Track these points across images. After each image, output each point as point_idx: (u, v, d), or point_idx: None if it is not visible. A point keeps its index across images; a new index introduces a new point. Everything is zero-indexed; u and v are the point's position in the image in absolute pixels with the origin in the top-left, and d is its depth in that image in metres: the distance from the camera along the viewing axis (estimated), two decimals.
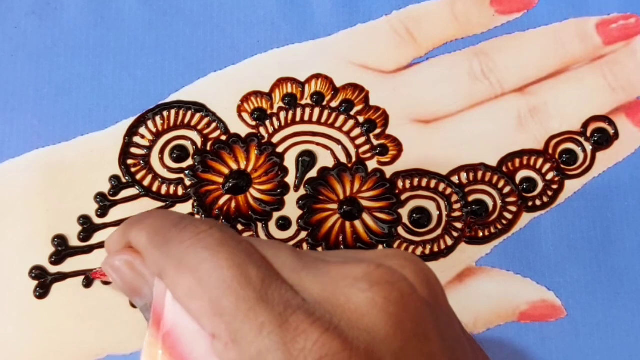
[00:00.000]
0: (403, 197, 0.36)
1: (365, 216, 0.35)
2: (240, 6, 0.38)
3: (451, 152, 0.36)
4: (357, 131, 0.37)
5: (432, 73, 0.37)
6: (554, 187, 0.36)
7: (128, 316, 0.34)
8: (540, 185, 0.36)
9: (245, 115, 0.37)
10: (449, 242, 0.35)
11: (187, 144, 0.36)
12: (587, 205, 0.36)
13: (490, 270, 0.35)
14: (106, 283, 0.34)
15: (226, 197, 0.36)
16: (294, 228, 0.35)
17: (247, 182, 0.36)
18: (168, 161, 0.36)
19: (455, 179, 0.36)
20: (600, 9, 0.38)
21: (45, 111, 0.36)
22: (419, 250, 0.35)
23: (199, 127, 0.36)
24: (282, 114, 0.37)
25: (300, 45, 0.38)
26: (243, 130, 0.36)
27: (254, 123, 0.36)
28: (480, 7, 0.38)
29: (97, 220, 0.35)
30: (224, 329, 0.21)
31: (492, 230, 0.35)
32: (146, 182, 0.36)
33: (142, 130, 0.36)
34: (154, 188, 0.36)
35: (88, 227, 0.35)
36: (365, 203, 0.36)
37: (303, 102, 0.37)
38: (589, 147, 0.37)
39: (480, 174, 0.36)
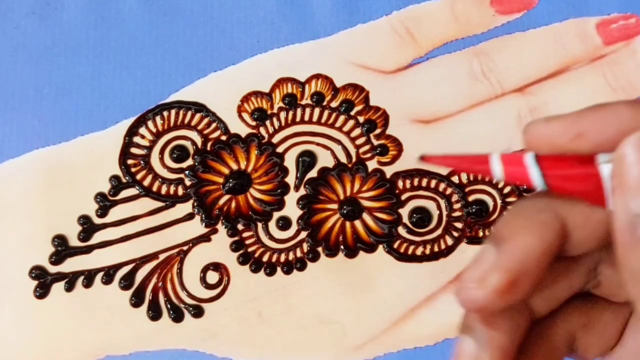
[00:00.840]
0: (403, 197, 0.36)
1: (366, 216, 0.35)
2: (240, 6, 0.38)
3: (451, 151, 0.36)
4: (357, 131, 0.37)
5: (432, 73, 0.37)
6: None
7: (127, 317, 0.34)
8: None
9: (245, 115, 0.37)
10: (450, 242, 0.35)
11: (187, 144, 0.36)
12: None
13: None
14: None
15: (226, 197, 0.36)
16: (294, 228, 0.35)
17: (247, 182, 0.36)
18: (168, 161, 0.36)
19: (455, 178, 0.36)
20: (600, 9, 0.38)
21: (45, 111, 0.36)
22: (419, 250, 0.35)
23: (199, 127, 0.36)
24: (282, 114, 0.37)
25: (300, 45, 0.38)
26: (243, 130, 0.36)
27: (254, 123, 0.36)
28: (480, 7, 0.38)
29: (97, 220, 0.35)
30: None
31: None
32: (146, 182, 0.36)
33: (142, 130, 0.36)
34: (154, 188, 0.36)
35: (88, 227, 0.35)
36: (365, 203, 0.36)
37: (303, 102, 0.37)
38: None
39: None
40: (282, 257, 0.35)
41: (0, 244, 0.35)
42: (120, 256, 0.35)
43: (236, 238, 0.35)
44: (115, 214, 0.35)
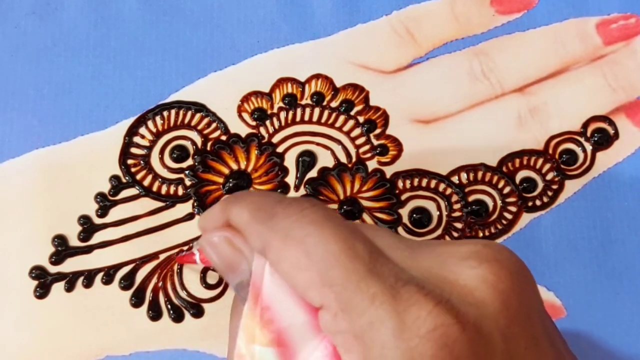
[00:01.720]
0: (403, 197, 0.36)
1: (366, 216, 0.35)
2: (240, 6, 0.38)
3: (451, 152, 0.36)
4: (357, 131, 0.37)
5: (432, 73, 0.37)
6: (554, 187, 0.36)
7: (127, 317, 0.34)
8: (540, 185, 0.36)
9: (246, 115, 0.37)
10: None
11: (187, 144, 0.36)
12: (587, 205, 0.36)
13: None
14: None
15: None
16: None
17: (247, 182, 0.36)
18: (168, 161, 0.36)
19: (455, 179, 0.36)
20: (600, 9, 0.38)
21: (45, 111, 0.36)
22: None
23: (199, 127, 0.36)
24: (282, 114, 0.37)
25: (300, 45, 0.38)
26: (243, 130, 0.36)
27: (254, 123, 0.36)
28: (480, 7, 0.38)
29: (97, 220, 0.35)
30: (333, 299, 0.21)
31: (492, 230, 0.35)
32: (146, 182, 0.36)
33: (142, 130, 0.36)
34: (154, 188, 0.36)
35: (88, 227, 0.35)
36: (365, 203, 0.36)
37: (303, 102, 0.37)
38: (589, 147, 0.37)
39: (480, 174, 0.36)
40: None
41: (0, 244, 0.35)
42: (120, 256, 0.35)
43: None
44: (115, 214, 0.35)
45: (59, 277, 0.34)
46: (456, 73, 0.37)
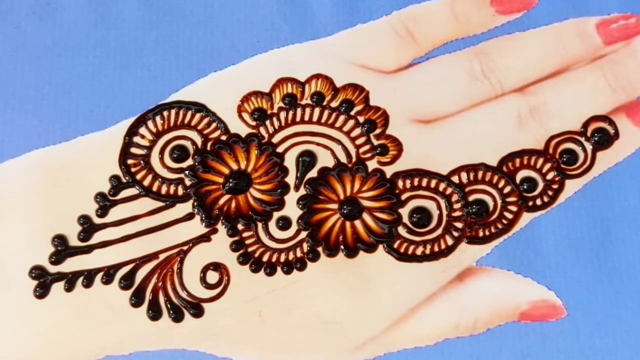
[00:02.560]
0: (403, 197, 0.36)
1: (366, 216, 0.35)
2: (240, 6, 0.38)
3: (451, 152, 0.36)
4: (357, 131, 0.37)
5: (432, 73, 0.37)
6: (555, 187, 0.36)
7: (127, 317, 0.34)
8: (541, 185, 0.36)
9: (245, 115, 0.37)
10: (450, 241, 0.35)
11: (187, 144, 0.36)
12: (587, 205, 0.36)
13: (491, 270, 0.35)
14: None
15: (226, 197, 0.36)
16: (294, 228, 0.35)
17: (247, 182, 0.36)
18: (168, 161, 0.36)
19: (455, 178, 0.36)
20: (600, 9, 0.38)
21: (45, 111, 0.36)
22: (419, 250, 0.35)
23: (199, 127, 0.36)
24: (282, 114, 0.37)
25: (300, 45, 0.38)
26: (243, 130, 0.36)
27: (254, 123, 0.36)
28: (480, 7, 0.38)
29: (97, 220, 0.35)
30: None
31: (493, 230, 0.35)
32: (146, 182, 0.36)
33: (142, 130, 0.36)
34: (154, 188, 0.36)
35: (88, 227, 0.35)
36: (365, 203, 0.36)
37: (303, 102, 0.37)
38: (589, 147, 0.37)
39: (480, 173, 0.36)
40: (282, 257, 0.35)
41: (0, 244, 0.35)
42: (120, 256, 0.35)
43: (236, 238, 0.35)
44: (115, 214, 0.35)
45: (59, 277, 0.34)
46: (456, 73, 0.37)
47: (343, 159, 0.36)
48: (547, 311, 0.35)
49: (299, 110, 0.37)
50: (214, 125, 0.36)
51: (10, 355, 0.33)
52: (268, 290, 0.35)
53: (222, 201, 0.35)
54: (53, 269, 0.34)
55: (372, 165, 0.36)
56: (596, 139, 0.37)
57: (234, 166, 0.36)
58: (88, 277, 0.34)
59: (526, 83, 0.37)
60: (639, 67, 0.38)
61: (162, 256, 0.35)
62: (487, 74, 0.37)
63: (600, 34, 0.38)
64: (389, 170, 0.36)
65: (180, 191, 0.36)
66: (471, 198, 0.36)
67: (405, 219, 0.36)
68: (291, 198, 0.36)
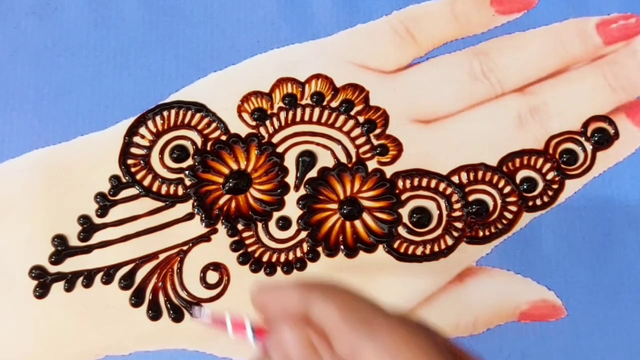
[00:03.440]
0: (403, 197, 0.36)
1: (366, 216, 0.35)
2: (240, 6, 0.38)
3: (451, 152, 0.36)
4: (357, 131, 0.37)
5: (432, 73, 0.37)
6: (554, 186, 0.36)
7: (127, 317, 0.34)
8: (541, 185, 0.36)
9: (245, 115, 0.37)
10: (450, 241, 0.35)
11: (187, 144, 0.36)
12: (587, 205, 0.36)
13: (491, 270, 0.35)
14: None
15: (226, 197, 0.35)
16: (294, 228, 0.35)
17: (247, 182, 0.36)
18: (168, 161, 0.36)
19: (455, 178, 0.36)
20: (600, 9, 0.38)
21: (45, 111, 0.36)
22: (419, 250, 0.35)
23: (199, 127, 0.36)
24: (282, 114, 0.37)
25: (300, 45, 0.38)
26: (243, 130, 0.36)
27: (254, 123, 0.36)
28: (480, 7, 0.38)
29: (97, 220, 0.35)
30: None
31: (493, 230, 0.35)
32: (146, 182, 0.36)
33: (142, 130, 0.36)
34: (154, 188, 0.36)
35: (88, 227, 0.35)
36: (365, 203, 0.36)
37: (303, 102, 0.37)
38: (589, 147, 0.37)
39: (480, 173, 0.36)
40: (282, 257, 0.35)
41: (0, 244, 0.35)
42: (120, 256, 0.35)
43: (236, 238, 0.35)
44: (115, 214, 0.35)
45: (59, 276, 0.34)
46: (456, 73, 0.37)
47: (343, 159, 0.36)
48: (547, 311, 0.35)
49: (299, 110, 0.37)
50: (214, 125, 0.36)
51: (10, 355, 0.33)
52: None
53: (222, 201, 0.35)
54: (53, 269, 0.34)
55: (372, 165, 0.36)
56: (596, 139, 0.37)
57: (234, 166, 0.36)
58: (88, 277, 0.34)
59: (526, 83, 0.37)
60: (639, 67, 0.38)
61: (162, 256, 0.35)
62: (487, 74, 0.37)
63: (600, 34, 0.38)
64: (389, 170, 0.36)
65: (180, 191, 0.36)
66: (471, 198, 0.36)
67: (405, 219, 0.36)
68: (291, 198, 0.36)
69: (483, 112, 0.37)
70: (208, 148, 0.36)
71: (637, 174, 0.36)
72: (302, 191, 0.36)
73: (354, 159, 0.36)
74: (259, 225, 0.35)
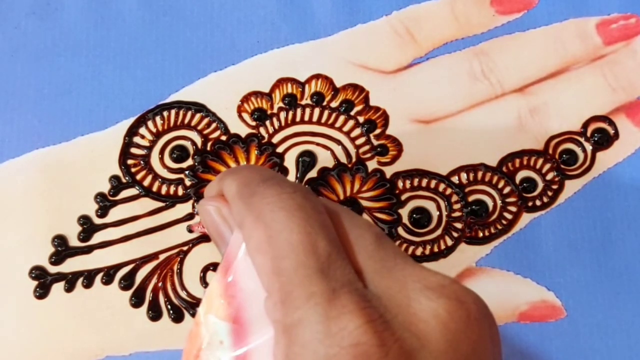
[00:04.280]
0: (403, 197, 0.36)
1: (365, 216, 0.35)
2: (240, 6, 0.38)
3: (451, 152, 0.36)
4: (357, 131, 0.37)
5: (432, 73, 0.37)
6: (554, 187, 0.36)
7: (127, 317, 0.34)
8: (540, 185, 0.36)
9: (245, 116, 0.37)
10: (449, 242, 0.35)
11: (187, 144, 0.36)
12: (587, 205, 0.36)
13: (490, 271, 0.35)
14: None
15: None
16: None
17: None
18: (168, 161, 0.36)
19: (455, 179, 0.36)
20: (600, 9, 0.38)
21: (45, 111, 0.36)
22: (419, 250, 0.35)
23: (199, 127, 0.36)
24: (282, 114, 0.37)
25: (300, 45, 0.38)
26: (243, 131, 0.36)
27: (254, 123, 0.36)
28: (481, 7, 0.38)
29: (97, 221, 0.35)
30: (277, 289, 0.21)
31: (492, 231, 0.35)
32: (146, 182, 0.36)
33: (142, 130, 0.36)
34: (154, 188, 0.36)
35: (88, 227, 0.35)
36: (365, 203, 0.36)
37: (303, 102, 0.37)
38: (589, 147, 0.37)
39: (480, 174, 0.36)
40: None
41: (0, 244, 0.35)
42: (120, 256, 0.35)
43: None
44: (115, 214, 0.35)
45: (59, 277, 0.34)
46: (456, 73, 0.37)
47: (343, 159, 0.36)
48: (546, 311, 0.35)
49: (299, 111, 0.37)
50: (214, 125, 0.36)
51: (11, 356, 0.33)
52: None
53: None
54: (53, 269, 0.34)
55: (372, 165, 0.36)
56: (596, 139, 0.37)
57: (234, 166, 0.36)
58: (88, 277, 0.34)
59: (526, 83, 0.37)
60: (639, 67, 0.38)
61: (162, 256, 0.35)
62: (487, 74, 0.37)
63: (600, 34, 0.38)
64: (388, 171, 0.36)
65: (180, 191, 0.36)
66: (471, 198, 0.36)
67: (405, 219, 0.36)
68: None
69: (483, 112, 0.37)
70: (208, 148, 0.36)
71: (637, 174, 0.36)
72: None
73: (353, 159, 0.36)
74: None
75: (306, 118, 0.37)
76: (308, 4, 0.38)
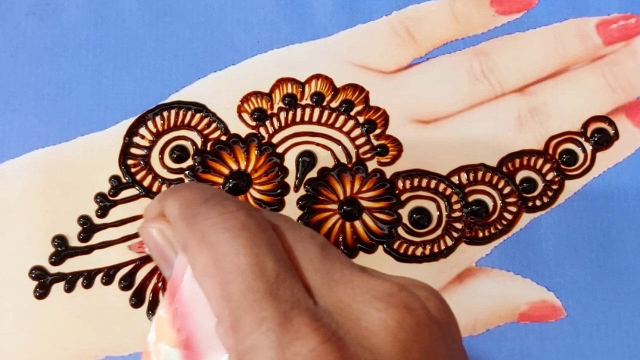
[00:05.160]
0: (403, 197, 0.36)
1: (365, 216, 0.35)
2: (240, 6, 0.38)
3: (451, 152, 0.36)
4: (357, 131, 0.37)
5: (432, 73, 0.37)
6: (554, 187, 0.36)
7: (127, 317, 0.34)
8: (540, 185, 0.36)
9: (245, 116, 0.37)
10: (449, 242, 0.35)
11: (187, 144, 0.36)
12: (587, 205, 0.36)
13: (490, 271, 0.35)
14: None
15: None
16: None
17: (247, 182, 0.36)
18: (168, 161, 0.36)
19: (455, 179, 0.36)
20: (600, 9, 0.38)
21: (45, 111, 0.36)
22: (419, 251, 0.35)
23: (199, 128, 0.36)
24: (282, 114, 0.37)
25: (300, 45, 0.38)
26: (243, 131, 0.36)
27: (254, 123, 0.36)
28: (480, 8, 0.38)
29: (97, 221, 0.35)
30: (227, 314, 0.21)
31: (492, 231, 0.35)
32: (146, 183, 0.36)
33: (142, 130, 0.36)
34: (154, 188, 0.36)
35: (88, 228, 0.35)
36: (365, 203, 0.36)
37: (303, 102, 0.37)
38: (589, 148, 0.37)
39: (480, 174, 0.36)
40: None
41: (0, 244, 0.35)
42: (120, 256, 0.35)
43: None
44: (115, 214, 0.35)
45: (59, 277, 0.34)
46: (456, 73, 0.37)
47: (343, 159, 0.36)
48: (546, 312, 0.35)
49: (298, 111, 0.37)
50: (213, 125, 0.36)
51: (11, 356, 0.33)
52: None
53: None
54: (53, 269, 0.34)
55: (372, 165, 0.36)
56: (596, 139, 0.37)
57: (234, 166, 0.36)
58: (88, 277, 0.34)
59: (526, 83, 0.37)
60: (639, 68, 0.38)
61: None
62: (487, 74, 0.37)
63: (600, 34, 0.38)
64: (388, 171, 0.36)
65: None
66: (471, 199, 0.36)
67: (405, 220, 0.36)
68: (291, 198, 0.36)
69: (483, 112, 0.37)
70: (208, 148, 0.36)
71: (637, 174, 0.36)
72: (302, 192, 0.36)
73: (353, 160, 0.36)
74: None
75: (306, 118, 0.37)
76: (308, 4, 0.38)
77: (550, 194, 0.36)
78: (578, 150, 0.37)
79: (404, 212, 0.36)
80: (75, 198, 0.35)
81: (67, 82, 0.37)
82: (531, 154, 0.36)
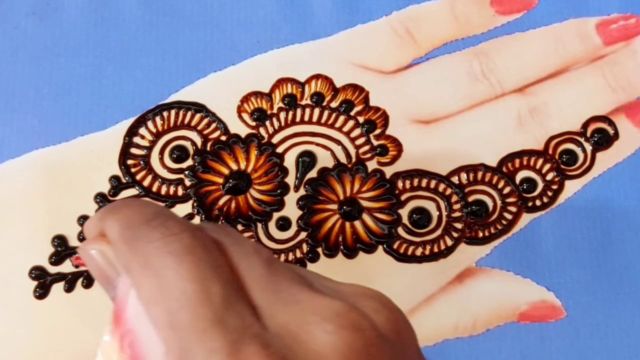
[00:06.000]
0: (403, 197, 0.36)
1: (365, 216, 0.35)
2: (240, 6, 0.38)
3: (451, 152, 0.36)
4: (357, 131, 0.37)
5: (432, 73, 0.37)
6: (554, 187, 0.36)
7: None
8: (540, 185, 0.36)
9: (245, 116, 0.37)
10: (449, 242, 0.35)
11: (187, 144, 0.36)
12: (587, 205, 0.36)
13: (490, 271, 0.35)
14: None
15: (226, 197, 0.36)
16: (293, 228, 0.35)
17: (247, 182, 0.36)
18: (168, 161, 0.36)
19: (455, 179, 0.36)
20: (600, 9, 0.38)
21: (45, 111, 0.36)
22: (419, 251, 0.35)
23: (199, 128, 0.36)
24: (282, 115, 0.37)
25: (300, 45, 0.38)
26: (243, 131, 0.36)
27: (254, 123, 0.36)
28: (480, 8, 0.38)
29: None
30: (176, 345, 0.20)
31: (492, 231, 0.35)
32: (146, 183, 0.36)
33: (142, 130, 0.36)
34: (154, 188, 0.36)
35: None
36: (365, 203, 0.36)
37: (303, 102, 0.37)
38: (589, 148, 0.37)
39: (480, 174, 0.36)
40: (282, 258, 0.35)
41: (0, 244, 0.35)
42: None
43: None
44: None
45: (59, 277, 0.34)
46: (456, 73, 0.37)
47: (343, 159, 0.36)
48: (546, 312, 0.35)
49: (298, 111, 0.37)
50: (213, 125, 0.36)
51: (11, 356, 0.33)
52: None
53: (222, 202, 0.35)
54: (53, 269, 0.34)
55: (372, 165, 0.36)
56: (596, 139, 0.37)
57: (234, 166, 0.36)
58: (88, 277, 0.34)
59: (526, 83, 0.37)
60: (639, 68, 0.38)
61: None
62: (487, 74, 0.37)
63: (600, 35, 0.38)
64: (388, 171, 0.36)
65: (180, 192, 0.36)
66: (471, 198, 0.36)
67: (405, 220, 0.36)
68: (291, 198, 0.36)
69: (483, 112, 0.37)
70: (208, 148, 0.36)
71: (637, 174, 0.36)
72: (302, 192, 0.36)
73: (353, 160, 0.36)
74: (259, 225, 0.35)
75: (306, 118, 0.37)
76: (308, 4, 0.38)
77: (550, 194, 0.36)
78: (578, 150, 0.37)
79: (404, 212, 0.36)
80: (75, 198, 0.35)
81: (67, 82, 0.37)
82: (531, 154, 0.36)
